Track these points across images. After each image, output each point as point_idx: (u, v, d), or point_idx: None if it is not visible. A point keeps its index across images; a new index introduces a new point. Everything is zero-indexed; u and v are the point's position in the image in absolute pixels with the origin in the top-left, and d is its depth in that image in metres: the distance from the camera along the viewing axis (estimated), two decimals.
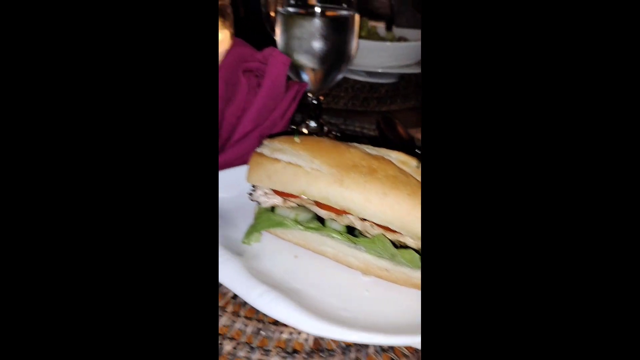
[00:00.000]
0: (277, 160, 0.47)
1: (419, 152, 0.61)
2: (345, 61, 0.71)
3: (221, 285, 0.48)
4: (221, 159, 0.63)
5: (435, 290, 0.27)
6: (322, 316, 0.40)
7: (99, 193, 0.28)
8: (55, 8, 0.27)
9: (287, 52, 0.68)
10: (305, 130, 0.83)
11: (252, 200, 0.52)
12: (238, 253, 0.48)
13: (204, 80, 0.29)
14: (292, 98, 0.66)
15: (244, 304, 0.46)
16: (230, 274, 0.44)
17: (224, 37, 0.95)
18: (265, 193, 0.50)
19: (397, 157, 0.47)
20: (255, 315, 0.45)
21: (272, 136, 0.50)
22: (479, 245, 0.27)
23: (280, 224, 0.49)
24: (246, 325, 0.44)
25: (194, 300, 0.28)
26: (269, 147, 0.49)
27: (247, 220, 0.54)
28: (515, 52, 0.27)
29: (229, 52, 0.68)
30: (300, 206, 0.49)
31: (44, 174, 0.27)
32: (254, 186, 0.51)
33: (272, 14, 1.04)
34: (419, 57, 1.13)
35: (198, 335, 0.28)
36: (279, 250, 0.51)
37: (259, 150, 0.50)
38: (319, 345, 0.42)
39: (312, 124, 0.83)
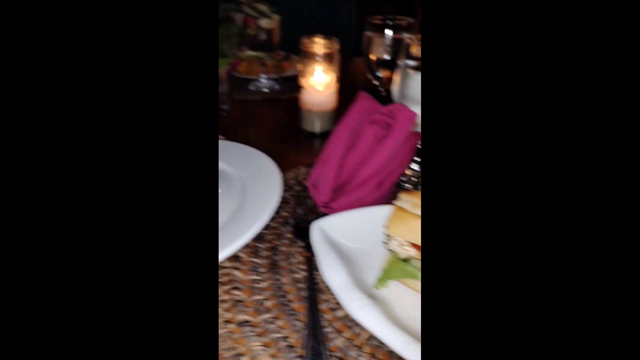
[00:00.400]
0: (418, 216, 0.51)
1: None
2: None
3: (357, 324, 0.52)
4: (342, 201, 0.68)
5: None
6: None
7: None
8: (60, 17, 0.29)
9: (405, 103, 0.73)
10: (408, 172, 0.86)
11: (387, 249, 0.56)
12: (371, 296, 0.52)
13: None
14: (411, 149, 0.70)
15: (378, 346, 0.50)
16: (375, 319, 0.48)
17: (331, 81, 1.02)
18: (401, 244, 0.54)
19: None
20: (389, 358, 0.49)
21: (398, 185, 0.53)
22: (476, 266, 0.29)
23: (412, 275, 0.53)
24: None
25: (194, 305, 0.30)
26: (408, 202, 0.53)
27: (370, 263, 0.58)
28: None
29: (355, 105, 0.74)
30: None
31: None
32: (388, 235, 0.55)
33: (373, 57, 1.10)
34: None
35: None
36: (406, 298, 0.55)
37: (398, 203, 0.54)
38: None
39: (415, 167, 0.87)
